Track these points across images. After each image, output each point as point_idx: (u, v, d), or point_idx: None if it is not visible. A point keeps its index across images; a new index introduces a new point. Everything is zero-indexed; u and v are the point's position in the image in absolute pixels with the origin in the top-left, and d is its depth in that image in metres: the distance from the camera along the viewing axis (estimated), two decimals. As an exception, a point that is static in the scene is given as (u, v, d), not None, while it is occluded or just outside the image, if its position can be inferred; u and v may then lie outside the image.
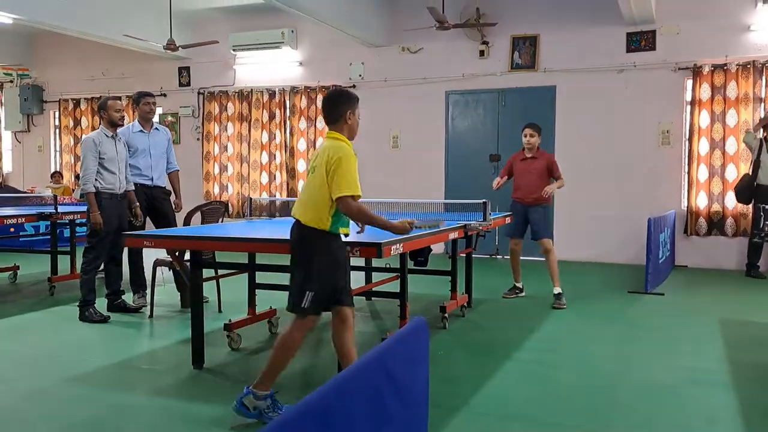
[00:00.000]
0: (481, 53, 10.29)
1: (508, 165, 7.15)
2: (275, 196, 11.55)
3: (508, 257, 7.24)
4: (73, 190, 12.46)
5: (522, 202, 6.89)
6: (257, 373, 4.47)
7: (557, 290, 6.71)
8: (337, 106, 3.70)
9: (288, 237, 3.66)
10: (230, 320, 4.98)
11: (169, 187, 6.82)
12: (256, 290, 5.39)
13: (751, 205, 8.60)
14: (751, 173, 8.51)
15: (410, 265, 5.28)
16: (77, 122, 13.20)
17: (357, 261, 4.95)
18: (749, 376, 4.42)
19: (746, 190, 8.51)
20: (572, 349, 5.18)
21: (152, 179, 6.52)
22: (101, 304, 6.12)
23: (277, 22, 11.18)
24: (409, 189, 10.15)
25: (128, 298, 6.41)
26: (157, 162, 6.56)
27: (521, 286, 7.16)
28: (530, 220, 6.85)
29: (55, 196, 7.39)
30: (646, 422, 3.65)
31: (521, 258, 7.18)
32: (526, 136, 6.97)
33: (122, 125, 6.17)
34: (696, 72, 9.15)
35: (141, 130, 6.51)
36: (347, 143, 3.63)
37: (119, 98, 6.65)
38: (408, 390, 2.36)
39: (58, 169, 13.32)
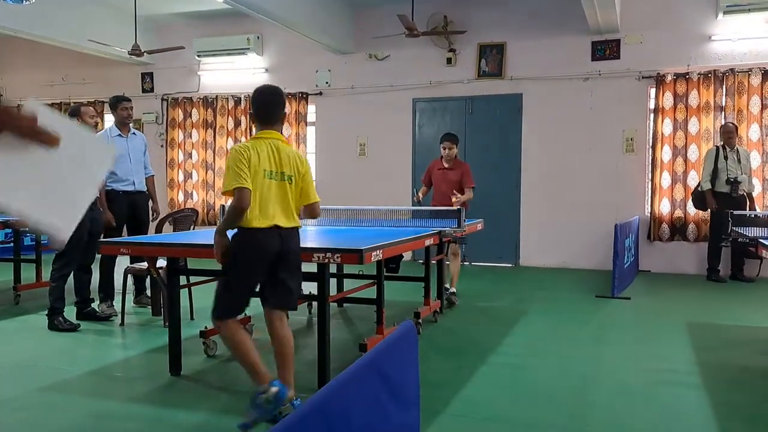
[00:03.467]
0: (449, 61, 10.38)
1: (427, 174, 7.24)
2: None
3: (475, 264, 7.34)
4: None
5: None
6: (235, 379, 4.48)
7: (454, 289, 7.07)
8: (282, 106, 3.75)
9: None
10: (206, 327, 4.94)
11: None
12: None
13: (708, 212, 8.82)
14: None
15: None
16: (37, 128, 12.91)
17: (330, 268, 4.95)
18: (718, 377, 4.52)
19: (702, 197, 8.74)
20: (545, 352, 5.24)
21: (134, 184, 6.50)
22: (70, 312, 6.02)
23: (242, 27, 11.14)
24: (376, 196, 10.15)
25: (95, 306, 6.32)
26: (137, 167, 6.55)
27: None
28: None
29: (21, 203, 7.24)
30: (623, 422, 3.71)
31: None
32: (445, 149, 7.06)
33: (95, 132, 6.12)
34: (659, 80, 9.36)
35: (119, 135, 6.50)
36: None
37: (90, 105, 6.61)
38: (402, 392, 2.38)
39: (17, 176, 13.05)
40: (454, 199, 6.67)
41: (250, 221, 3.48)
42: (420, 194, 7.14)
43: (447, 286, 7.04)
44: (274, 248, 3.57)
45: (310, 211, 3.78)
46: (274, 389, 3.42)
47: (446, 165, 7.07)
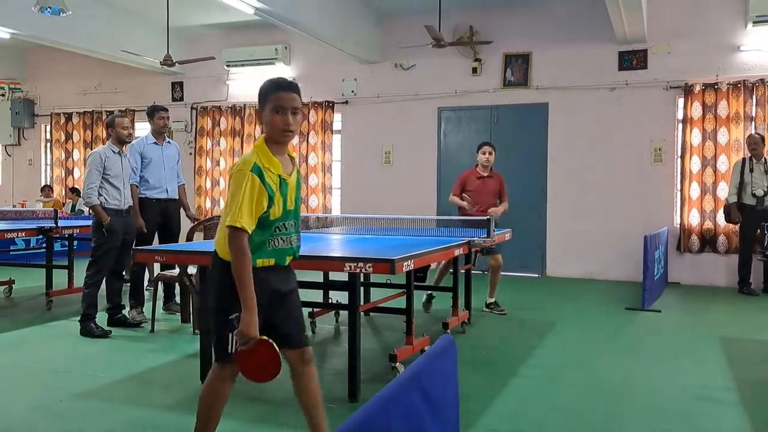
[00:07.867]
0: (474, 70, 10.38)
1: (460, 185, 7.13)
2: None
3: (500, 274, 7.29)
4: (64, 204, 12.38)
5: None
6: (266, 388, 4.49)
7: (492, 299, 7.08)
8: (259, 103, 2.99)
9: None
10: (236, 335, 4.97)
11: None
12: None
13: (739, 225, 8.72)
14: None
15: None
16: (69, 136, 13.15)
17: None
18: (756, 394, 4.45)
19: (732, 210, 8.66)
20: (577, 365, 5.20)
21: (167, 191, 6.63)
22: (101, 318, 6.08)
23: (271, 38, 11.24)
24: (400, 205, 10.16)
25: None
26: (170, 175, 6.69)
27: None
28: None
29: (56, 211, 7.36)
30: (659, 439, 3.68)
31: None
32: (485, 154, 7.07)
33: (129, 142, 6.21)
34: (687, 91, 9.28)
35: (155, 143, 6.66)
36: (259, 153, 2.87)
37: (125, 116, 6.76)
38: (442, 407, 2.36)
39: (48, 183, 13.24)
40: (493, 210, 6.70)
41: None
42: (467, 200, 6.97)
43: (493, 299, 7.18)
44: None
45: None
46: None
47: (485, 174, 7.07)
